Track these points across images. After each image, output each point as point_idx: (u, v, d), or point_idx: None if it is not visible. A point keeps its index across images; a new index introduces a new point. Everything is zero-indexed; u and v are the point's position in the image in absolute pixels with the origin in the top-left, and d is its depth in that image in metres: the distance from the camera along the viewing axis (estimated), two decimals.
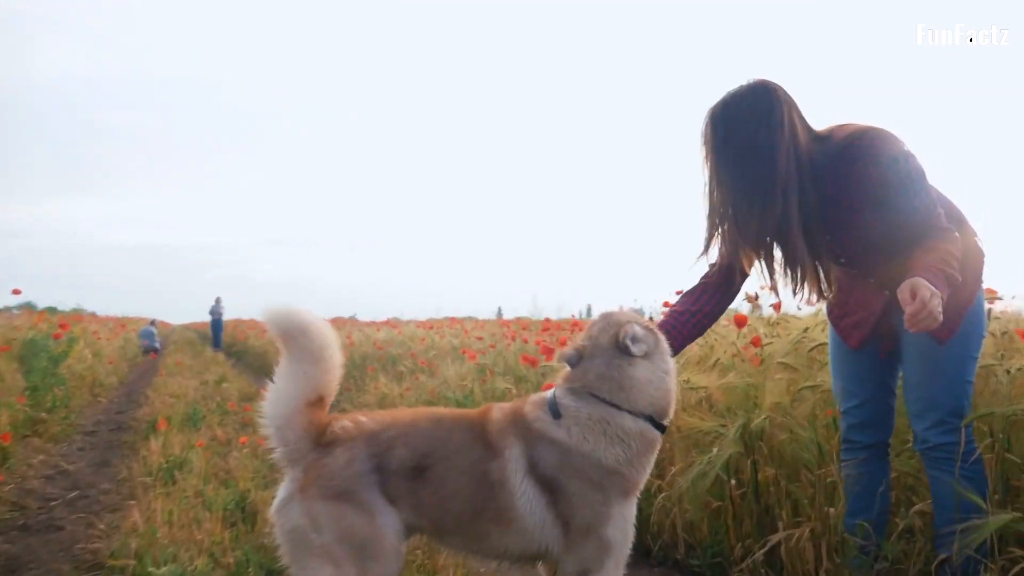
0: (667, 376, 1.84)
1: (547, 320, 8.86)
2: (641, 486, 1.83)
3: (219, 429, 5.71)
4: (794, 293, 2.15)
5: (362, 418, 1.85)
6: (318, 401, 1.84)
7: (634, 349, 1.79)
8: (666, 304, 6.13)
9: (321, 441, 1.78)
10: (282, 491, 1.79)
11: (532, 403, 1.86)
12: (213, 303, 20.61)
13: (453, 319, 16.56)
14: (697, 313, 2.18)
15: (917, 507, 2.33)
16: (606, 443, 1.76)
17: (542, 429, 1.79)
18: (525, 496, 1.75)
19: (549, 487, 1.75)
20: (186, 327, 37.79)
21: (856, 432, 2.30)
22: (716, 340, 3.70)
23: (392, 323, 18.52)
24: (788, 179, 1.96)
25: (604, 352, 1.82)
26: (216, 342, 20.24)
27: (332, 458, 1.75)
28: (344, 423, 1.82)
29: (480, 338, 8.65)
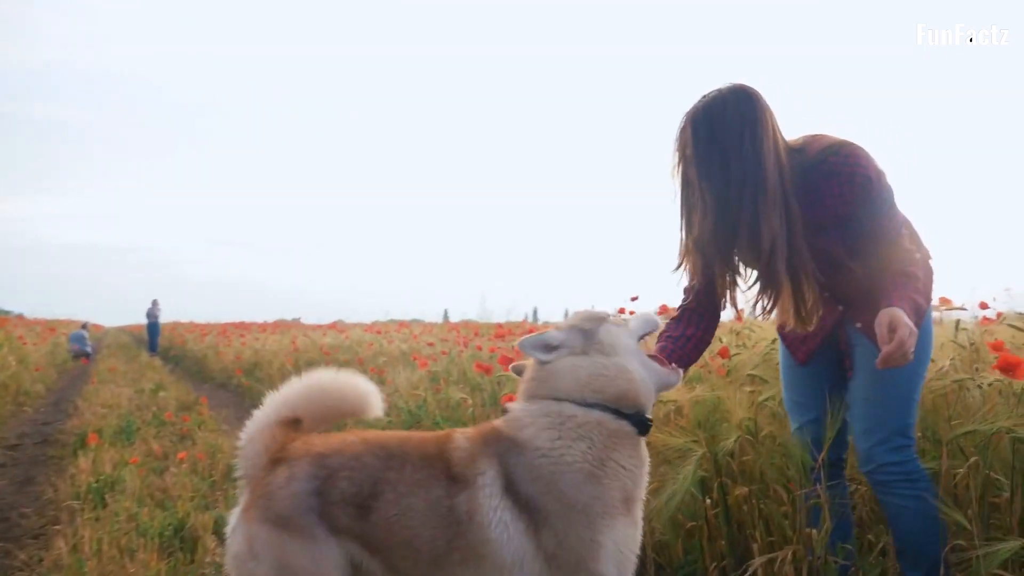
0: (606, 367, 1.70)
1: (499, 325, 8.74)
2: (634, 502, 1.68)
3: (155, 443, 5.40)
4: (764, 315, 2.06)
5: (314, 439, 1.74)
6: (291, 421, 1.76)
7: (542, 356, 1.73)
8: (621, 311, 6.00)
9: (274, 460, 1.68)
10: (234, 514, 1.70)
11: (504, 418, 1.74)
12: (150, 305, 19.82)
13: (401, 323, 16.33)
14: (692, 338, 2.08)
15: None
16: (564, 439, 1.63)
17: (512, 436, 1.66)
18: (500, 524, 1.58)
19: (526, 507, 1.60)
20: (121, 330, 36.51)
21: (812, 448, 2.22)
22: None
23: (338, 327, 18.17)
24: (775, 189, 1.86)
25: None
26: (152, 346, 19.49)
27: (273, 476, 1.65)
28: (295, 443, 1.71)
29: (431, 344, 8.46)
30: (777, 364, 2.82)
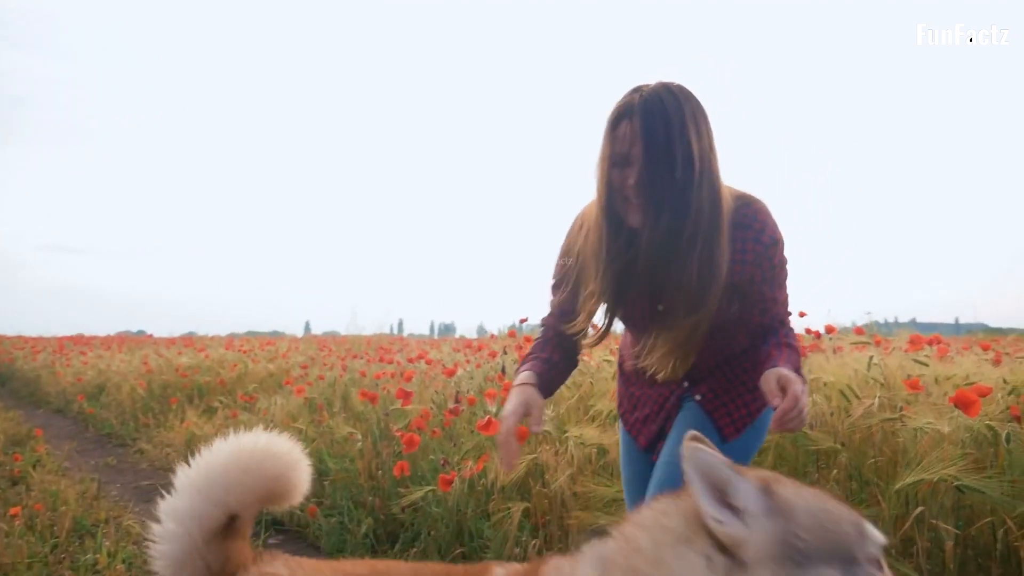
0: None
1: (368, 340, 8.34)
2: None
3: None
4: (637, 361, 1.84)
5: (295, 567, 1.24)
6: (227, 524, 1.27)
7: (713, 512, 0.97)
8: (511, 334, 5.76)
9: None
10: None
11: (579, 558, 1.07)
12: None
13: (264, 340, 15.37)
14: (558, 363, 1.82)
15: None
16: None
17: None
18: None
19: None
20: None
21: None
22: (588, 382, 3.47)
23: (190, 340, 16.87)
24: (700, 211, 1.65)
25: None
26: None
27: None
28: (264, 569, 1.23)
29: (304, 365, 7.94)
30: None
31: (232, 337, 16.64)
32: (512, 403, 1.67)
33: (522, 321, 6.25)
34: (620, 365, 2.04)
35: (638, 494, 1.90)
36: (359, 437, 4.15)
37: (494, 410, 3.26)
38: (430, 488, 2.98)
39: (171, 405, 7.41)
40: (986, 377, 2.57)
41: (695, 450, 0.93)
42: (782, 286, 1.75)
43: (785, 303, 1.77)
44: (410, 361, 6.36)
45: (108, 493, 4.98)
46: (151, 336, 19.74)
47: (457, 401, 3.76)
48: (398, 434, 3.51)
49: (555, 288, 1.88)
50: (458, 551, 2.94)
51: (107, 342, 17.92)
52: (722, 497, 0.91)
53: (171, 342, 16.04)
